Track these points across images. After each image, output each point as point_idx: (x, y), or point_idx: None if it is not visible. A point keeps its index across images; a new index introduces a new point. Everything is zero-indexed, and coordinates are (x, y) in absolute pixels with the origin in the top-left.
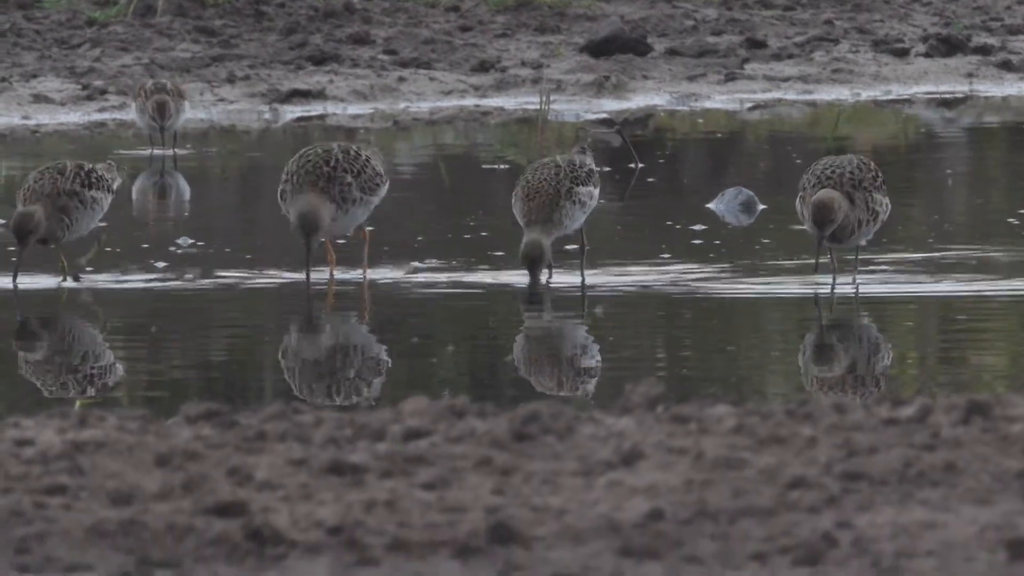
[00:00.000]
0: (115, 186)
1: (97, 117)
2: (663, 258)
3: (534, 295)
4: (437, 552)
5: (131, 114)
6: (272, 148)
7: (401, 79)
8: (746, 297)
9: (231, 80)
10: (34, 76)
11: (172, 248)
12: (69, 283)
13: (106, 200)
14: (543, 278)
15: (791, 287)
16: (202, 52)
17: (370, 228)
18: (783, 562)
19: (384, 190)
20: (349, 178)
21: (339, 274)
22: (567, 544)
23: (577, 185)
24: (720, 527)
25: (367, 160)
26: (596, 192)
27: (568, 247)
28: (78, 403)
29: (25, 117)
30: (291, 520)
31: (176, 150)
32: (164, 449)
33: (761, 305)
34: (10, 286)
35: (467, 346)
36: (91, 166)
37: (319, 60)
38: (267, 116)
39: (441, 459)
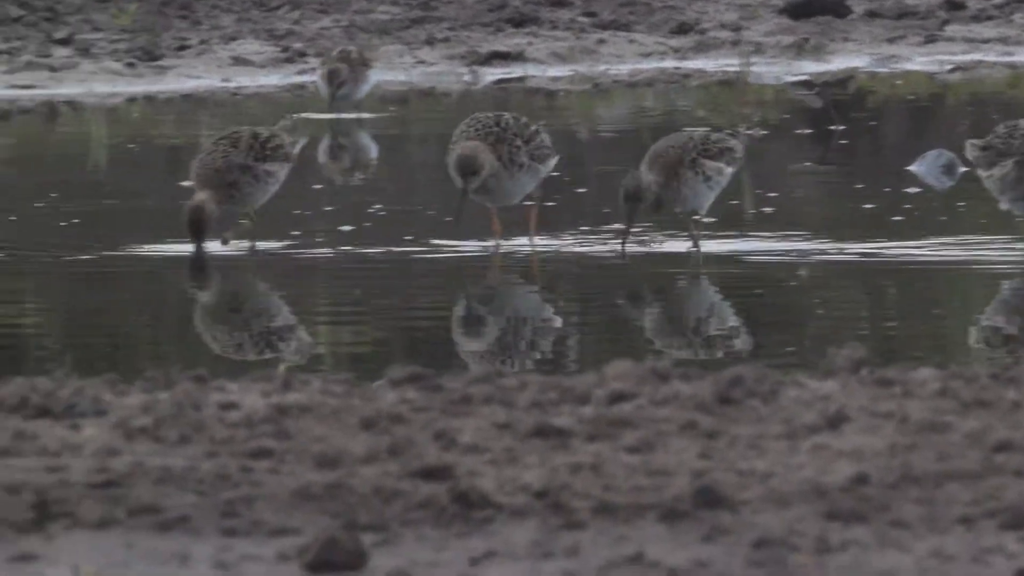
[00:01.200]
0: (296, 149)
1: (296, 79)
2: (863, 220)
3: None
4: (643, 516)
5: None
6: (469, 111)
7: (600, 41)
8: (950, 261)
9: (430, 42)
10: (233, 39)
11: (365, 212)
12: (220, 246)
13: (282, 170)
14: (694, 243)
15: (995, 251)
16: (401, 14)
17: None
18: (989, 526)
19: (552, 163)
20: (519, 141)
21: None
22: (772, 508)
23: (705, 158)
24: (925, 491)
25: (537, 131)
26: (728, 170)
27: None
28: (283, 367)
29: (225, 80)
30: (497, 484)
31: (361, 114)
32: (370, 412)
33: (966, 270)
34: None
35: (671, 310)
36: (268, 133)
37: (518, 22)
38: (466, 78)
39: (646, 422)
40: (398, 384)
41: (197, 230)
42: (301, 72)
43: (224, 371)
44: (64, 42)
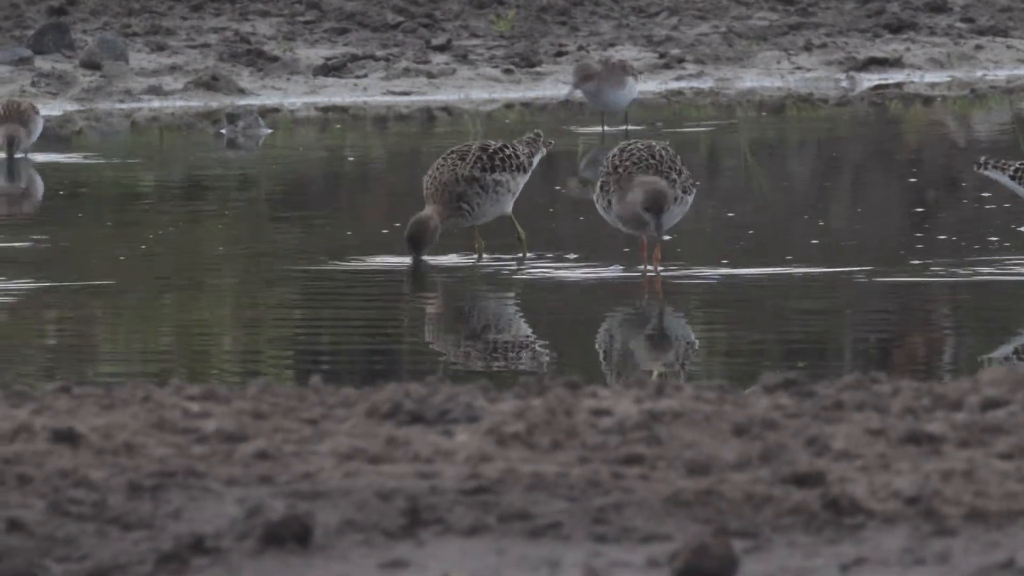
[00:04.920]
0: (534, 160)
1: (674, 85)
2: None
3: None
4: (1015, 522)
5: (707, 82)
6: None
7: (978, 47)
8: None
9: (808, 48)
10: (611, 44)
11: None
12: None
13: (514, 181)
14: None
15: None
16: (779, 20)
17: None
18: None
19: (691, 199)
20: (674, 174)
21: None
22: None
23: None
24: None
25: (682, 164)
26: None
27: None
28: (655, 373)
29: None
30: (868, 490)
31: (628, 126)
32: (742, 419)
33: None
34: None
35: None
36: (500, 145)
37: (896, 28)
38: (844, 84)
39: (1019, 428)
40: (771, 390)
41: (416, 244)
42: (679, 78)
43: (597, 378)
44: (442, 48)
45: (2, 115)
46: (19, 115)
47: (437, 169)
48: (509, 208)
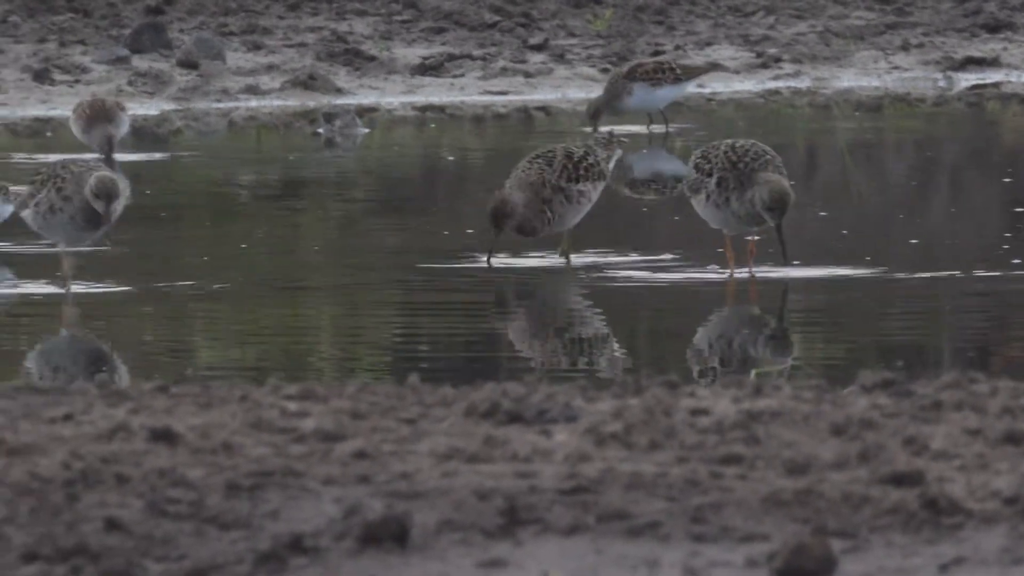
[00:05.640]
0: (610, 165)
1: (771, 85)
2: None
3: None
4: None
5: (804, 82)
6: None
7: None
8: None
9: (905, 48)
10: (708, 44)
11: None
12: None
13: (594, 190)
14: None
15: None
16: (876, 19)
17: None
18: None
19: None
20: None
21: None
22: None
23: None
24: None
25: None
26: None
27: None
28: (754, 373)
29: (700, 85)
30: (967, 490)
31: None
32: (840, 418)
33: None
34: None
35: None
36: (583, 153)
37: (993, 27)
38: (941, 84)
39: None
40: (869, 390)
41: (497, 221)
42: (776, 78)
43: (697, 378)
44: (539, 48)
45: (91, 115)
46: (107, 113)
47: (523, 171)
48: (581, 215)
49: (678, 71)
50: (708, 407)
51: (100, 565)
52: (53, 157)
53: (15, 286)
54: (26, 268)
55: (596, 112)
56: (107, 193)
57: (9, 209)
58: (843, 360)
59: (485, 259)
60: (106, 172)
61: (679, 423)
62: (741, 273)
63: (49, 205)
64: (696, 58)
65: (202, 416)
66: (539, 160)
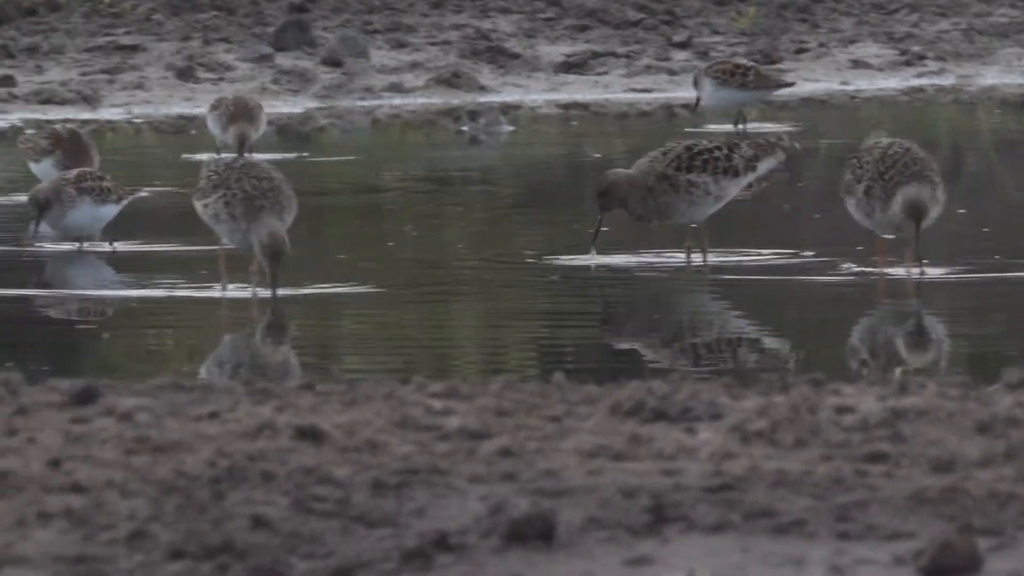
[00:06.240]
0: (760, 164)
1: (915, 83)
2: None
3: None
4: None
5: (948, 79)
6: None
7: None
8: None
9: None
10: (852, 42)
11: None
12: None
13: (717, 184)
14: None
15: None
16: (1020, 17)
17: None
18: None
19: (943, 197)
20: (935, 176)
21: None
22: None
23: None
24: None
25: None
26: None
27: None
28: (898, 370)
29: (843, 82)
30: None
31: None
32: (985, 416)
33: None
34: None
35: None
36: (712, 147)
37: None
38: None
39: None
40: (1014, 387)
41: (597, 197)
42: (920, 75)
43: (842, 375)
44: (683, 45)
45: (233, 112)
46: (248, 112)
47: (650, 160)
48: (708, 212)
49: (749, 77)
50: (853, 405)
51: (246, 563)
52: (198, 156)
53: (170, 287)
54: (180, 268)
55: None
56: (276, 253)
57: (114, 210)
58: (987, 358)
59: (591, 245)
60: (277, 226)
61: (824, 421)
62: (896, 271)
63: (215, 213)
64: (840, 56)
65: (347, 414)
66: (660, 150)
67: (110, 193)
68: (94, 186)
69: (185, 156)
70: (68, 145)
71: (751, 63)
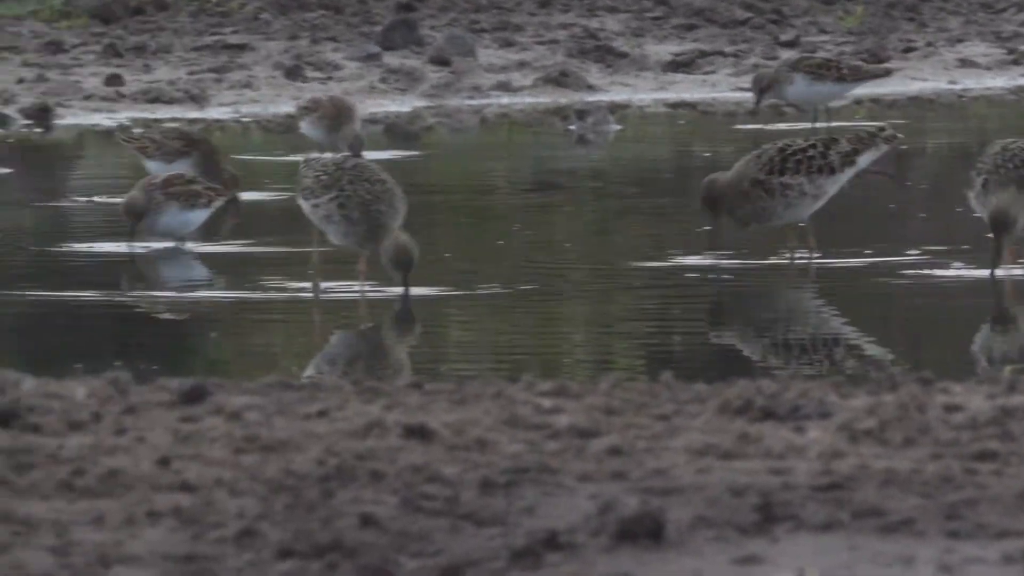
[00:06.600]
0: (860, 158)
1: (1022, 82)
2: None
3: None
4: None
5: None
6: None
7: None
8: None
9: None
10: (960, 40)
11: None
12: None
13: (812, 184)
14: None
15: None
16: None
17: None
18: None
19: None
20: None
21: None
22: None
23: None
24: None
25: None
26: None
27: None
28: (1008, 369)
29: (951, 82)
30: None
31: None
32: None
33: None
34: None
35: None
36: (804, 145)
37: None
38: None
39: None
40: None
41: (704, 204)
42: None
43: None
44: (790, 44)
45: (335, 114)
46: (349, 113)
47: (741, 161)
48: (808, 212)
49: (844, 70)
50: (962, 403)
51: (355, 561)
52: (302, 156)
53: (254, 286)
54: (276, 267)
55: (766, 86)
56: (407, 264)
57: (204, 214)
58: None
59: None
60: (405, 238)
61: (933, 419)
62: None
63: (327, 214)
64: (948, 54)
65: (456, 413)
66: (754, 152)
67: (199, 197)
68: (182, 191)
69: (292, 157)
70: (205, 147)
71: (838, 59)
